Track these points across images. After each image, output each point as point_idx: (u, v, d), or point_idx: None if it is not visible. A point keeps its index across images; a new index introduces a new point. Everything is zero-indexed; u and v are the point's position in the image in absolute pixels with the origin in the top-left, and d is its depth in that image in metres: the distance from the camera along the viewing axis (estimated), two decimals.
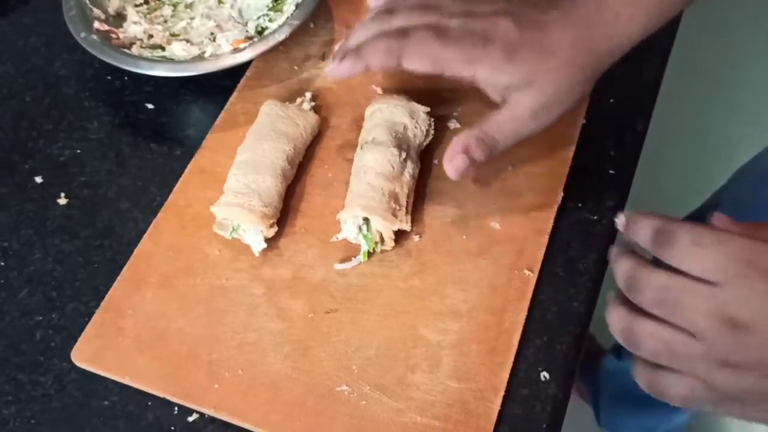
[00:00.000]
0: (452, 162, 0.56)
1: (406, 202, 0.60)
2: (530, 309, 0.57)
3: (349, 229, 0.59)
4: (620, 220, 0.48)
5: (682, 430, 1.25)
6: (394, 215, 0.58)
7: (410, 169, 0.61)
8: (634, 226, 0.47)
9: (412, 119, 0.63)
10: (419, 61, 0.55)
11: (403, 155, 0.60)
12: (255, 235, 0.60)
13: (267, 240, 0.60)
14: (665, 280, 0.44)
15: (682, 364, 0.44)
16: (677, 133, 1.61)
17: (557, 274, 0.59)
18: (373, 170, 0.59)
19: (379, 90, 0.69)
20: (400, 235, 0.60)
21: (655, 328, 0.44)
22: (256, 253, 0.60)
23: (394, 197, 0.59)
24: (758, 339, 0.41)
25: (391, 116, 0.62)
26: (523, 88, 0.55)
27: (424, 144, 0.64)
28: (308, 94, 0.68)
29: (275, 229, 0.60)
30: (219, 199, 0.60)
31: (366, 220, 0.58)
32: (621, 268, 0.46)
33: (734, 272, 0.42)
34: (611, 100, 0.69)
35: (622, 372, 1.18)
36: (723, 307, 0.42)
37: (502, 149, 0.57)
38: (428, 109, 0.64)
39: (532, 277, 0.58)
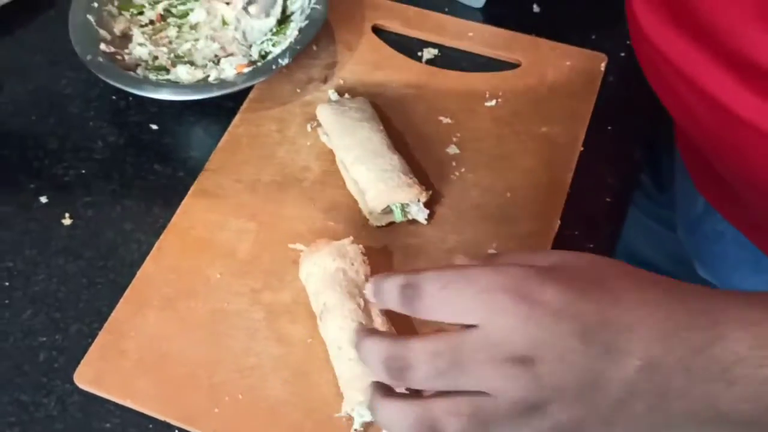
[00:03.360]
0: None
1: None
2: None
3: (360, 414, 0.53)
4: (368, 290, 0.43)
5: None
6: None
7: (376, 309, 0.56)
8: (380, 292, 0.42)
9: (344, 258, 0.57)
10: None
11: (361, 302, 0.55)
12: (417, 207, 0.62)
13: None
14: (432, 345, 0.39)
15: (501, 429, 0.39)
16: None
17: None
18: (344, 340, 0.53)
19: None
20: (398, 264, 0.61)
21: (450, 405, 0.39)
22: (425, 222, 0.63)
23: None
24: (545, 367, 0.37)
25: (324, 271, 0.57)
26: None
27: (369, 274, 0.58)
28: None
29: (430, 191, 0.62)
30: (368, 197, 0.61)
31: None
32: (373, 353, 0.40)
33: (489, 306, 0.38)
34: (609, 128, 0.70)
35: None
36: (498, 348, 0.38)
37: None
38: (351, 238, 0.59)
39: None
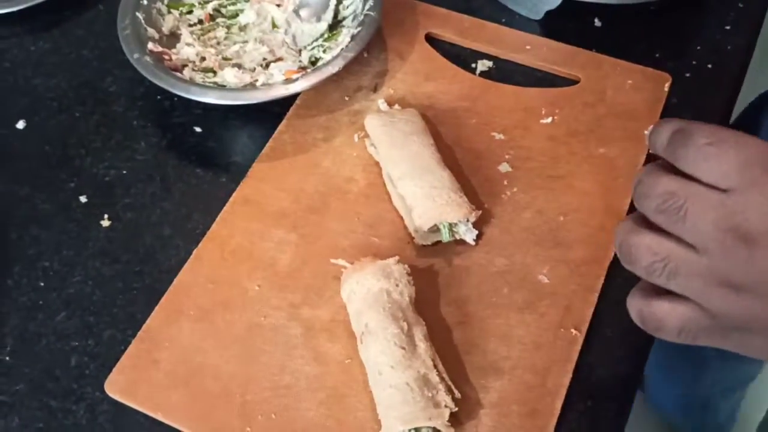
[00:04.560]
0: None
1: (439, 377, 0.52)
2: (575, 371, 0.55)
3: None
4: (648, 131, 0.44)
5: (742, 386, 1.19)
6: (436, 405, 0.51)
7: (419, 334, 0.54)
8: (654, 134, 0.42)
9: (388, 278, 0.55)
10: None
11: (405, 326, 0.53)
12: (466, 227, 0.59)
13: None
14: (673, 184, 0.39)
15: (680, 285, 0.39)
16: None
17: (605, 335, 0.57)
18: (386, 366, 0.51)
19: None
20: (442, 286, 0.59)
21: (654, 240, 0.40)
22: (473, 243, 0.60)
23: (425, 383, 0.51)
24: (765, 254, 0.37)
25: (367, 292, 0.55)
26: None
27: (414, 296, 0.56)
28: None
29: (479, 210, 0.60)
30: (414, 214, 0.59)
31: None
32: (638, 175, 0.42)
33: (750, 178, 0.37)
34: None
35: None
36: (732, 217, 0.37)
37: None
38: (396, 257, 0.57)
39: (579, 337, 0.56)
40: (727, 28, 0.73)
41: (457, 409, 0.52)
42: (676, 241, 0.39)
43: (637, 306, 0.42)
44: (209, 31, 0.73)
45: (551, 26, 0.75)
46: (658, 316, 0.41)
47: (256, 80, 0.67)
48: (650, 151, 0.44)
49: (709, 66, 0.71)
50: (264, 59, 0.70)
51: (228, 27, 0.74)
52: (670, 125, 0.41)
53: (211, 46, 0.72)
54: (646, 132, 0.45)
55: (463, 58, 0.73)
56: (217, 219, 0.63)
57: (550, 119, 0.68)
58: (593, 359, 0.56)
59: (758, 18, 0.75)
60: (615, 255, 0.59)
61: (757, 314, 0.38)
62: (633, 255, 0.41)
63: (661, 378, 1.20)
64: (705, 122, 0.40)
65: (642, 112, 0.67)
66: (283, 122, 0.69)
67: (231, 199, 0.64)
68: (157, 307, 0.59)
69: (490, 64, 0.72)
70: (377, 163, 0.65)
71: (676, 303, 0.40)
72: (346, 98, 0.70)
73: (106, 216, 0.65)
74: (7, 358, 0.58)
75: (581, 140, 0.66)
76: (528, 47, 0.73)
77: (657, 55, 0.72)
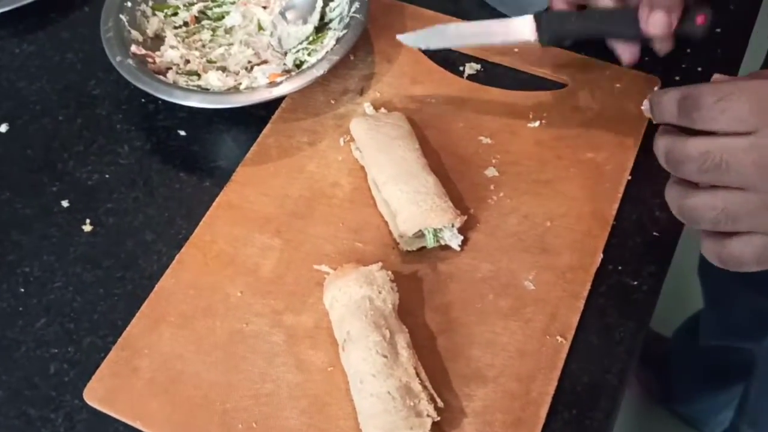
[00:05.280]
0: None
1: (422, 385, 0.51)
2: (560, 379, 0.54)
3: None
4: (645, 106, 0.48)
5: None
6: (418, 415, 0.50)
7: (402, 342, 0.53)
8: (658, 106, 0.46)
9: (371, 285, 0.54)
10: None
11: (387, 334, 0.52)
12: (451, 233, 0.59)
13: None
14: (703, 144, 0.43)
15: (744, 223, 0.44)
16: None
17: (591, 343, 0.56)
18: (367, 374, 0.51)
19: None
20: (427, 292, 0.58)
21: (707, 198, 0.44)
22: (458, 248, 0.59)
23: (407, 392, 0.50)
24: None
25: (350, 299, 0.54)
26: None
27: (397, 302, 0.55)
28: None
29: (465, 216, 0.59)
30: (399, 219, 0.59)
31: None
32: (660, 146, 0.46)
33: (765, 114, 0.41)
34: None
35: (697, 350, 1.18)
36: (767, 152, 0.41)
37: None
38: (379, 264, 0.56)
39: (565, 345, 0.56)
40: (717, 30, 0.72)
41: (439, 418, 0.51)
42: (726, 190, 0.44)
43: (714, 253, 0.46)
44: (194, 33, 0.72)
45: None
46: (736, 254, 0.45)
47: (240, 83, 0.67)
48: (654, 122, 0.48)
49: (699, 69, 0.70)
50: (249, 62, 0.69)
51: (213, 29, 0.73)
52: (672, 95, 0.45)
53: (196, 48, 0.71)
54: (643, 107, 0.49)
55: (450, 61, 0.72)
56: (200, 224, 0.62)
57: (537, 123, 0.67)
58: (578, 367, 0.55)
59: (749, 22, 0.75)
60: (601, 261, 0.59)
61: None
62: (695, 216, 0.45)
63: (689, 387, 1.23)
64: (699, 84, 0.44)
65: (631, 116, 0.67)
66: (268, 126, 0.68)
67: (214, 204, 0.63)
68: (137, 314, 0.58)
69: (477, 67, 0.72)
70: (363, 167, 0.64)
71: (745, 239, 0.45)
72: (332, 101, 0.69)
73: (88, 221, 0.64)
74: None
75: (569, 144, 0.65)
76: (516, 50, 0.72)
77: (646, 59, 0.71)
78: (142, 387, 0.55)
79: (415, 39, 0.65)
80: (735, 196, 0.43)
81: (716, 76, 0.49)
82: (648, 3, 0.58)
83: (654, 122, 0.48)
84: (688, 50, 0.71)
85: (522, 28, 0.62)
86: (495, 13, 0.75)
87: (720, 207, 0.44)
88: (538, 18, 0.62)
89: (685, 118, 0.44)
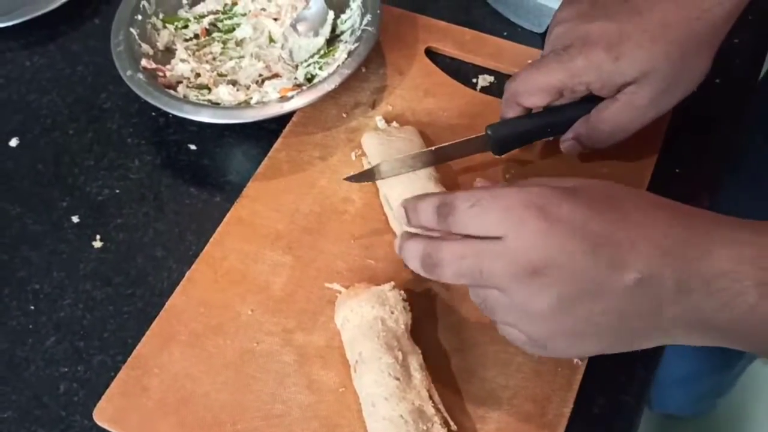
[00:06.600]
0: (563, 146, 0.61)
1: (435, 408, 0.51)
2: (576, 400, 0.53)
3: None
4: (399, 212, 0.51)
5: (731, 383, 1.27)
6: None
7: (415, 363, 0.52)
8: (415, 212, 0.49)
9: (383, 306, 0.53)
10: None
11: (399, 355, 0.51)
12: None
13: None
14: (459, 248, 0.46)
15: (501, 317, 0.47)
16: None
17: (606, 364, 0.55)
18: (380, 397, 0.50)
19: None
20: (440, 311, 0.57)
21: (470, 291, 0.48)
22: None
23: (420, 416, 0.49)
24: (555, 275, 0.43)
25: (361, 320, 0.53)
26: (640, 80, 0.54)
27: (410, 323, 0.54)
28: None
29: None
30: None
31: None
32: (412, 251, 0.48)
33: (511, 221, 0.44)
34: (677, 170, 0.64)
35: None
36: (514, 259, 0.44)
37: (615, 140, 0.58)
38: (392, 283, 0.55)
39: (581, 366, 0.55)
40: (736, 41, 0.71)
41: None
42: (486, 288, 0.46)
43: (500, 327, 0.50)
44: (205, 46, 0.72)
45: None
46: (510, 339, 0.49)
47: (251, 98, 0.66)
48: (407, 227, 0.50)
49: (717, 81, 0.69)
50: (260, 75, 0.69)
51: (224, 42, 0.72)
52: (430, 201, 0.48)
53: (207, 61, 0.70)
54: (395, 212, 0.52)
55: (463, 73, 0.71)
56: (211, 240, 0.62)
57: (551, 136, 0.66)
58: (594, 387, 0.54)
59: (767, 33, 0.73)
60: None
61: (573, 325, 0.45)
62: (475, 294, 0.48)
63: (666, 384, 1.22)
64: (455, 192, 0.47)
65: (647, 130, 0.65)
66: (279, 140, 0.67)
67: (225, 220, 0.63)
68: (147, 333, 0.57)
69: (491, 79, 0.71)
70: (374, 183, 0.64)
71: (509, 329, 0.48)
72: (344, 115, 0.68)
73: (98, 237, 0.64)
74: None
75: (584, 158, 0.64)
76: (530, 61, 0.71)
77: None
78: (152, 407, 0.54)
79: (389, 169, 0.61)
80: (491, 293, 0.46)
81: (478, 181, 0.52)
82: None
83: (406, 227, 0.50)
84: None
85: (477, 146, 0.62)
86: (508, 24, 0.74)
87: (481, 298, 0.47)
88: (489, 131, 0.61)
89: (442, 223, 0.47)
